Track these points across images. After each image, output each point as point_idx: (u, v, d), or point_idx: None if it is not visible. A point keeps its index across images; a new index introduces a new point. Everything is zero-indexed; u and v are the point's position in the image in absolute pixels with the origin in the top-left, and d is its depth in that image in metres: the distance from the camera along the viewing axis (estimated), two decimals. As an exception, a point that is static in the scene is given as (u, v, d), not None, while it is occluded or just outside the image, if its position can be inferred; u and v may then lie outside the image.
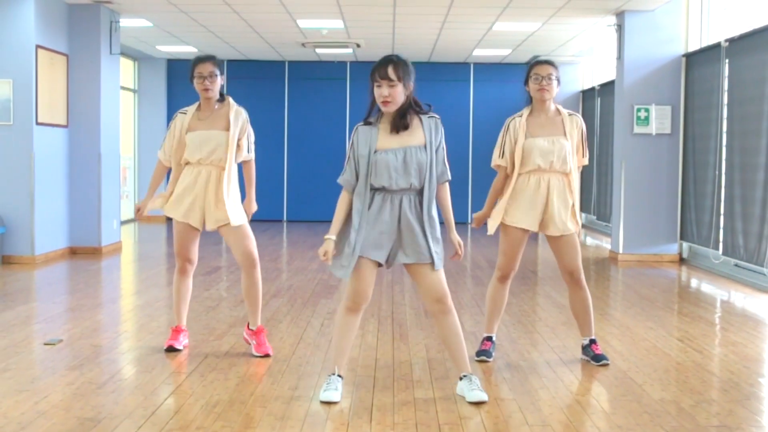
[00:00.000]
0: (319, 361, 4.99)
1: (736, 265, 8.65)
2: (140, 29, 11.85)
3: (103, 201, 10.34)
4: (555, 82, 4.85)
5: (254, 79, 15.01)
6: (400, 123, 4.17)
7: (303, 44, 13.01)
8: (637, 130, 10.03)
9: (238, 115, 5.07)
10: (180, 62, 15.30)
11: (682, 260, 10.08)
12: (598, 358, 4.95)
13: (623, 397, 4.33)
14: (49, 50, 9.58)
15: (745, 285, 8.18)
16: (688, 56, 9.94)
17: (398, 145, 4.15)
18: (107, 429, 3.70)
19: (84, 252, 10.19)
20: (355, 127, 4.27)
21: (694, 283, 8.71)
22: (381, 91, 4.11)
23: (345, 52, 13.96)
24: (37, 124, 9.31)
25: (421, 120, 4.24)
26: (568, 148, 4.83)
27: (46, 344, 5.32)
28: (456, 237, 4.29)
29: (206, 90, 4.99)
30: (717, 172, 9.03)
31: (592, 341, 5.04)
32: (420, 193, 4.20)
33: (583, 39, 12.34)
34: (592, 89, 14.13)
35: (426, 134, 4.21)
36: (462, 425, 3.82)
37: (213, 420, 3.84)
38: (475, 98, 15.39)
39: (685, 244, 10.14)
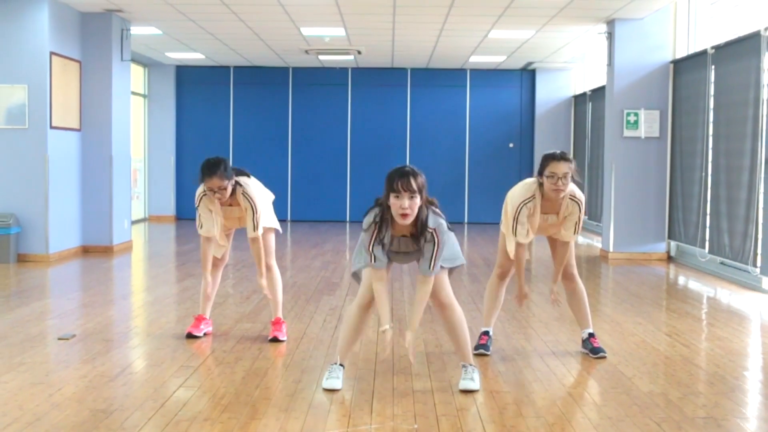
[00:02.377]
0: (321, 355, 4.99)
1: (721, 263, 8.64)
2: (150, 37, 11.85)
3: (115, 201, 10.33)
4: (569, 180, 4.66)
5: (259, 85, 15.02)
6: (419, 233, 4.07)
7: (306, 51, 13.01)
8: (626, 133, 10.03)
9: (244, 200, 5.14)
10: (188, 68, 15.30)
11: (670, 258, 10.08)
12: (596, 351, 4.97)
13: (613, 389, 4.33)
14: (63, 57, 9.57)
15: (730, 282, 8.18)
16: (676, 63, 9.94)
17: (405, 249, 4.18)
18: (119, 420, 3.70)
19: (96, 250, 10.18)
20: (374, 222, 4.09)
21: (681, 280, 8.71)
22: (401, 203, 3.93)
23: (347, 59, 13.96)
24: (51, 127, 9.30)
25: (425, 235, 4.10)
26: (553, 219, 4.85)
27: (60, 339, 5.32)
28: (409, 338, 4.15)
29: (219, 199, 5.08)
30: (703, 174, 9.03)
31: (591, 334, 5.05)
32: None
33: (575, 46, 12.34)
34: (584, 94, 14.13)
35: (425, 247, 4.10)
36: (459, 416, 3.82)
37: (220, 412, 3.84)
38: (472, 103, 15.38)
39: (672, 243, 10.13)
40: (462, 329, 4.36)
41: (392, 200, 3.97)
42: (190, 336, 5.32)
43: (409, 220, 3.99)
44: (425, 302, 4.21)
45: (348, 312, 4.43)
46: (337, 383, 4.20)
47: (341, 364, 4.33)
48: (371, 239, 4.09)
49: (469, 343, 4.40)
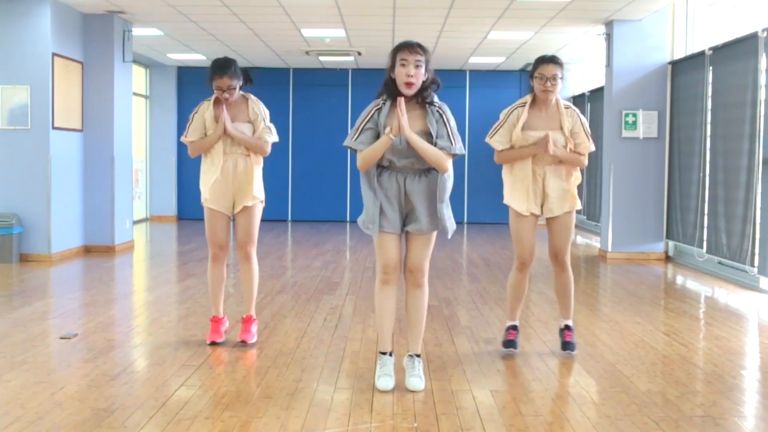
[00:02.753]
0: (322, 354, 4.99)
1: (719, 262, 8.64)
2: (152, 38, 11.85)
3: (116, 201, 10.34)
4: (559, 82, 4.74)
5: (260, 86, 14.84)
6: (419, 100, 4.08)
7: (307, 52, 13.01)
8: (625, 134, 10.03)
9: (256, 106, 5.13)
10: (190, 69, 15.31)
11: (668, 258, 10.08)
12: (565, 346, 4.95)
13: (612, 388, 4.33)
14: (65, 58, 9.57)
15: (728, 282, 8.18)
16: (674, 64, 9.94)
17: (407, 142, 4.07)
18: (120, 419, 3.70)
19: (98, 250, 10.18)
20: (376, 102, 4.12)
21: (679, 280, 8.71)
22: (407, 70, 3.98)
23: (347, 60, 13.96)
24: (54, 128, 9.30)
25: (426, 110, 4.13)
26: (561, 142, 4.79)
27: (62, 338, 5.32)
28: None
29: (226, 99, 5.04)
30: (701, 174, 9.02)
31: (567, 326, 5.01)
32: (427, 171, 4.15)
33: (574, 47, 12.34)
34: (583, 95, 14.12)
35: (430, 125, 4.09)
36: (458, 415, 3.82)
37: (221, 410, 3.84)
38: (471, 104, 15.39)
39: (671, 243, 10.13)
40: (423, 315, 4.29)
41: (398, 69, 4.00)
42: (214, 344, 5.12)
43: (414, 89, 4.03)
44: (436, 153, 4.01)
45: (375, 296, 4.31)
46: (389, 382, 4.15)
47: (390, 353, 4.27)
48: (367, 114, 4.10)
49: (422, 333, 4.34)
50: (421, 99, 4.13)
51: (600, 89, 12.02)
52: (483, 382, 4.37)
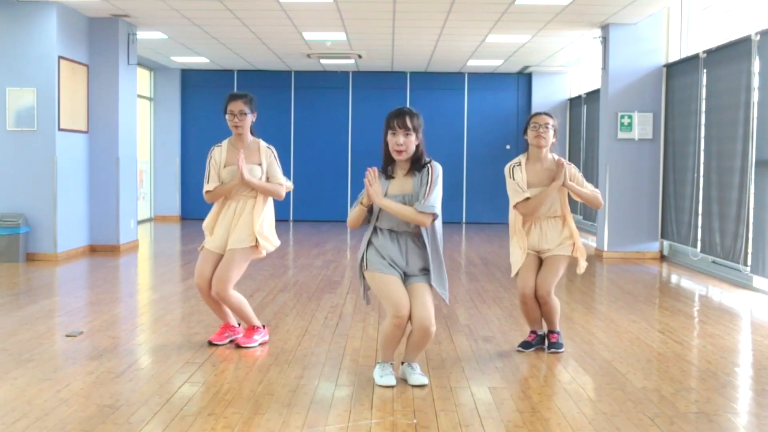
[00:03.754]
0: (323, 351, 4.99)
1: (713, 261, 8.64)
2: (156, 41, 11.85)
3: (121, 202, 10.33)
4: (551, 131, 4.90)
5: (262, 88, 14.99)
6: (414, 166, 4.17)
7: (308, 55, 13.00)
8: (620, 135, 10.02)
9: (267, 151, 5.06)
10: (193, 72, 15.31)
11: (663, 257, 10.07)
12: (551, 345, 5.03)
13: (608, 385, 4.33)
14: (71, 61, 9.57)
15: (721, 280, 8.18)
16: (669, 66, 9.94)
17: (399, 192, 4.16)
18: (125, 415, 3.70)
19: (103, 250, 10.18)
20: (373, 169, 4.19)
21: (674, 278, 8.70)
22: (396, 139, 4.08)
23: (347, 63, 13.96)
24: (60, 130, 9.30)
25: (422, 172, 4.19)
26: (556, 197, 4.91)
27: (67, 336, 5.32)
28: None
29: (236, 127, 5.00)
30: (695, 175, 9.02)
31: (552, 331, 5.08)
32: (419, 234, 4.20)
33: (571, 50, 12.34)
34: (579, 97, 14.12)
35: (415, 186, 4.16)
36: (457, 411, 3.82)
37: (224, 407, 3.84)
38: (470, 106, 15.38)
39: (665, 242, 10.13)
40: (423, 348, 4.32)
41: (389, 137, 4.11)
42: (211, 344, 5.09)
43: (404, 156, 4.13)
44: (409, 212, 4.07)
45: (384, 328, 4.22)
46: (392, 379, 4.22)
47: (390, 363, 4.31)
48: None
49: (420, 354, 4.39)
50: (415, 164, 4.18)
51: (596, 91, 12.02)
52: (481, 380, 4.37)
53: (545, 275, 4.93)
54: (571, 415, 3.80)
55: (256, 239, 4.92)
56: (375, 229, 4.26)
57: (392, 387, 4.17)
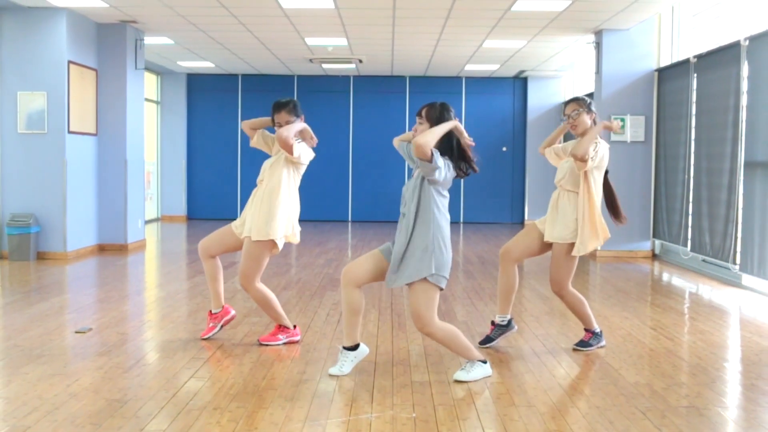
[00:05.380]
0: (325, 347, 4.98)
1: (703, 260, 8.64)
2: (163, 46, 11.84)
3: (129, 202, 10.33)
4: (583, 116, 4.81)
5: (266, 92, 14.99)
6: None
7: (310, 60, 13.00)
8: (613, 137, 10.01)
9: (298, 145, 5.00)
10: (199, 76, 15.30)
11: (654, 256, 10.07)
12: (581, 344, 5.00)
13: (601, 380, 4.33)
14: (80, 65, 9.57)
15: (711, 278, 8.18)
16: (660, 71, 9.94)
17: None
18: (133, 409, 3.70)
19: (111, 249, 10.19)
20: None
21: (665, 277, 8.70)
22: (416, 126, 4.19)
23: (349, 67, 13.95)
24: (69, 132, 9.30)
25: None
26: (575, 168, 4.82)
27: (77, 332, 5.32)
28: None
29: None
30: (686, 176, 9.02)
31: (586, 330, 5.05)
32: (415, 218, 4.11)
33: (565, 55, 12.33)
34: (573, 101, 14.09)
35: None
36: (455, 405, 3.82)
37: (229, 401, 3.84)
38: (467, 109, 15.38)
39: (657, 242, 10.13)
40: (454, 342, 4.23)
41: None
42: (205, 339, 5.11)
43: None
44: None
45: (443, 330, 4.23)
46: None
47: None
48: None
49: (464, 346, 4.24)
50: None
51: (590, 95, 12.01)
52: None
53: (552, 266, 4.83)
54: (566, 409, 3.80)
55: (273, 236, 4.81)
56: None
57: (389, 383, 4.14)
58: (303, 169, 4.99)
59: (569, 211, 4.81)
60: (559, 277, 4.82)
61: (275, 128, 4.88)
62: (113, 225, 10.23)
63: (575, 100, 4.90)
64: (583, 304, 4.95)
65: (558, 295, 4.90)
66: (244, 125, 5.05)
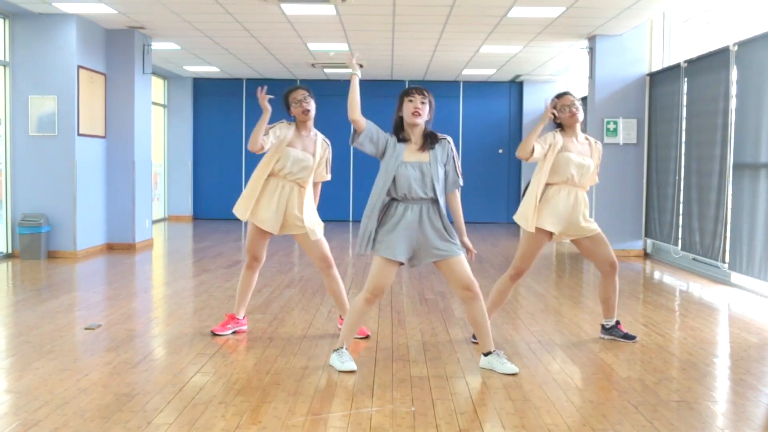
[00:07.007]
0: (327, 343, 4.98)
1: (693, 259, 8.64)
2: (169, 51, 11.84)
3: (137, 203, 10.33)
4: (580, 107, 4.92)
5: (270, 96, 15.00)
6: (429, 140, 4.24)
7: (313, 65, 13.01)
8: (606, 140, 10.02)
9: (324, 145, 5.14)
10: (204, 80, 15.30)
11: (646, 255, 10.07)
12: (628, 336, 5.07)
13: (594, 375, 4.33)
14: (89, 70, 9.57)
15: (701, 277, 8.18)
16: (652, 75, 9.94)
17: (416, 160, 4.20)
18: (140, 403, 3.70)
19: (120, 248, 10.18)
20: (392, 134, 4.26)
21: (657, 275, 8.70)
22: (414, 104, 4.17)
23: (349, 72, 13.93)
24: (79, 135, 9.30)
25: (440, 143, 4.31)
26: (592, 168, 4.94)
27: (86, 329, 5.32)
28: (467, 241, 4.35)
29: (306, 112, 4.94)
30: (677, 178, 9.02)
31: (618, 322, 5.14)
32: (435, 201, 4.20)
33: (560, 60, 12.33)
34: (567, 104, 14.09)
35: (433, 155, 4.23)
36: (453, 400, 3.82)
37: (233, 395, 3.84)
38: (465, 113, 15.38)
39: (648, 241, 10.13)
40: (487, 318, 4.37)
41: (405, 104, 4.17)
42: (214, 334, 5.11)
43: (420, 120, 4.18)
44: (461, 212, 4.31)
45: (354, 305, 4.37)
46: (354, 364, 4.28)
47: (347, 349, 4.38)
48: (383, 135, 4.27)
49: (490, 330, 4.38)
50: (429, 139, 4.27)
51: (584, 99, 12.01)
52: (476, 369, 4.37)
53: (607, 248, 4.95)
54: (560, 403, 3.80)
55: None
56: (390, 202, 4.23)
57: (389, 378, 4.16)
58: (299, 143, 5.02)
59: (584, 206, 4.93)
60: (610, 253, 5.01)
61: (293, 108, 4.98)
62: (121, 225, 10.23)
63: (568, 93, 5.00)
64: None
65: (615, 272, 5.06)
66: (253, 146, 4.79)
